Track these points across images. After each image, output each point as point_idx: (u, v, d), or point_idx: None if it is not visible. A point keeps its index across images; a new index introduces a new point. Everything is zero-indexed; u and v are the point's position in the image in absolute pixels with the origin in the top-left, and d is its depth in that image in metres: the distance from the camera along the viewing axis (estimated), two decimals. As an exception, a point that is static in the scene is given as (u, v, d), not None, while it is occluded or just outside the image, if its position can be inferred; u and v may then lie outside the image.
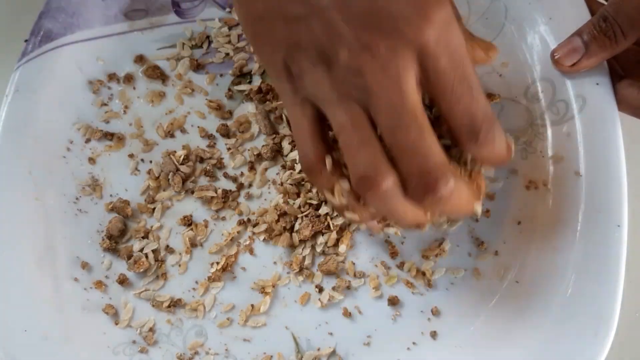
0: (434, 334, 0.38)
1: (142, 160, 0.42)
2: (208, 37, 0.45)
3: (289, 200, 0.40)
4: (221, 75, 0.44)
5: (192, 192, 0.41)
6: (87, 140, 0.42)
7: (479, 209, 0.32)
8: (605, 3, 0.40)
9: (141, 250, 0.40)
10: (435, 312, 0.38)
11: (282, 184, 0.41)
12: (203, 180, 0.42)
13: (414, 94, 0.29)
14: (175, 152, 0.42)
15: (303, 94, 0.31)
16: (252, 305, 0.39)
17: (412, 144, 0.29)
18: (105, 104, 0.43)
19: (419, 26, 0.28)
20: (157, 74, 0.44)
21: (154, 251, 0.40)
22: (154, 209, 0.41)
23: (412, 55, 0.28)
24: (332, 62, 0.29)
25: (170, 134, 0.43)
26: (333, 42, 0.29)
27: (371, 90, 0.29)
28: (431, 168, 0.29)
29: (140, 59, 0.44)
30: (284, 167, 0.41)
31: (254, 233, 0.40)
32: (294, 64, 0.31)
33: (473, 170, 0.32)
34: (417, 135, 0.29)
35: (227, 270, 0.39)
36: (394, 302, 0.38)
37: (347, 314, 0.38)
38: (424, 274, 0.39)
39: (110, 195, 0.41)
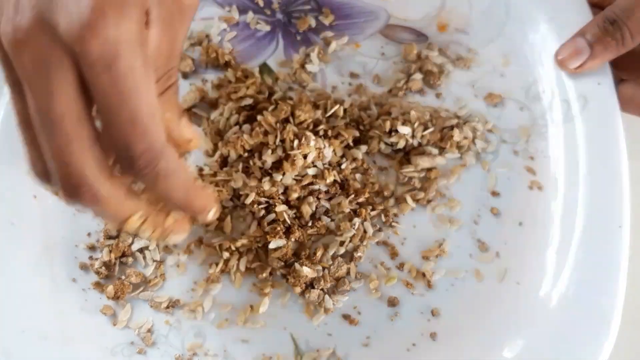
0: (433, 335, 0.37)
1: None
2: (207, 35, 0.45)
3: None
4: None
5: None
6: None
7: (142, 233, 0.31)
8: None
9: (140, 250, 0.40)
10: (435, 313, 0.38)
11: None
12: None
13: (65, 100, 0.26)
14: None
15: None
16: (251, 306, 0.38)
17: (55, 149, 0.27)
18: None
19: (80, 34, 0.24)
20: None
21: (145, 250, 0.40)
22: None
23: (70, 60, 0.25)
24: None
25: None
26: (9, 16, 0.26)
27: (23, 82, 0.26)
28: (74, 180, 0.27)
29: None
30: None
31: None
32: None
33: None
34: (61, 142, 0.26)
35: (225, 271, 0.39)
36: (393, 302, 0.38)
37: (346, 314, 0.38)
38: (423, 275, 0.39)
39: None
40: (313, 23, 0.45)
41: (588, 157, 0.38)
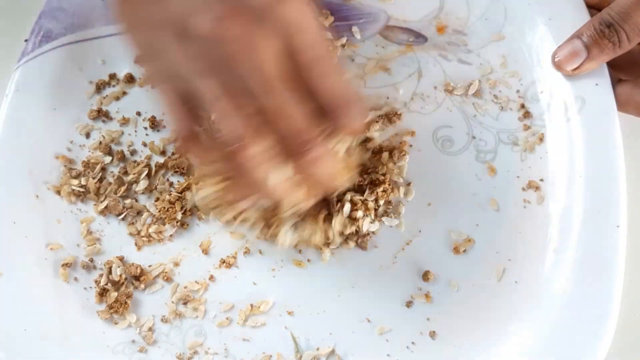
0: (432, 334, 0.38)
1: (142, 160, 0.42)
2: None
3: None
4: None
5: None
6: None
7: (343, 181, 0.35)
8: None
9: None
10: (434, 313, 0.38)
11: None
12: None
13: (273, 63, 0.29)
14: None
15: (169, 72, 0.32)
16: (252, 305, 0.39)
17: (276, 110, 0.30)
18: (106, 105, 0.43)
19: (271, 6, 0.29)
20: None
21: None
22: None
23: (274, 28, 0.29)
24: (191, 35, 0.29)
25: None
26: (190, 13, 0.29)
27: (232, 59, 0.29)
28: (298, 131, 0.30)
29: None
30: None
31: None
32: (156, 43, 0.31)
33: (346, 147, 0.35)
34: (278, 102, 0.30)
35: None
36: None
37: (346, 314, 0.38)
38: (424, 274, 0.39)
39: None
40: (313, 24, 0.45)
41: (586, 157, 0.38)
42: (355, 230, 0.39)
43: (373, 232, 0.40)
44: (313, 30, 0.31)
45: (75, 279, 0.39)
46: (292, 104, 0.30)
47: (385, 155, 0.41)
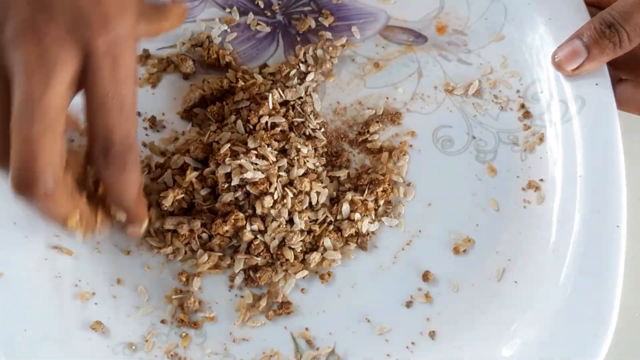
0: (432, 334, 0.38)
1: (142, 160, 0.42)
2: (208, 37, 0.45)
3: None
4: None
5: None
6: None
7: (76, 230, 0.33)
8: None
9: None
10: (434, 312, 0.38)
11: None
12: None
13: (59, 92, 0.28)
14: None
15: None
16: (252, 305, 0.39)
17: (24, 139, 0.28)
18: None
19: (94, 30, 0.28)
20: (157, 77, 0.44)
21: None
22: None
23: (76, 54, 0.28)
24: (2, 30, 0.29)
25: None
26: (6, 12, 0.28)
27: (20, 70, 0.28)
28: (35, 166, 0.28)
29: (141, 60, 0.44)
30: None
31: None
32: None
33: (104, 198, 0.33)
34: (37, 130, 0.28)
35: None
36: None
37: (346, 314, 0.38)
38: (424, 274, 0.39)
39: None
40: (313, 24, 0.45)
41: (586, 157, 0.38)
42: (355, 231, 0.39)
43: (373, 233, 0.40)
44: (123, 67, 0.30)
45: (78, 281, 0.39)
46: (48, 140, 0.28)
47: (385, 155, 0.41)
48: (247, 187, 0.38)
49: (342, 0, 0.45)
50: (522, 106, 0.42)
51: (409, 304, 0.38)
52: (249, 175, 0.37)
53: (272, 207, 0.38)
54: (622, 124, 0.38)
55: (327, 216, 0.39)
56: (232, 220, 0.38)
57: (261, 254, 0.38)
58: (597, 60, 0.38)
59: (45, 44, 0.28)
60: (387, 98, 0.43)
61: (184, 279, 0.39)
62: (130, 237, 0.37)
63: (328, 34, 0.44)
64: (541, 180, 0.40)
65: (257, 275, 0.38)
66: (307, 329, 0.38)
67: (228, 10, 0.45)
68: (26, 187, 0.29)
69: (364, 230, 0.39)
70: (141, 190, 0.34)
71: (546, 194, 0.39)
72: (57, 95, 0.28)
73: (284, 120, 0.40)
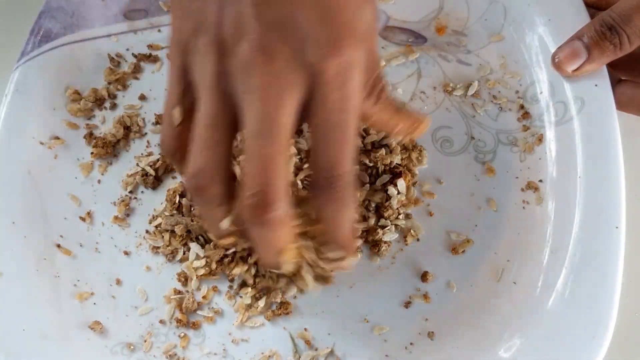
0: (431, 335, 0.38)
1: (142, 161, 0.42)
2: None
3: None
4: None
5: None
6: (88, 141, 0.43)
7: (286, 265, 0.31)
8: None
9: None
10: (433, 313, 0.38)
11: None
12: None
13: (289, 112, 0.28)
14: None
15: (188, 72, 0.30)
16: (250, 305, 0.39)
17: (263, 158, 0.27)
18: (105, 105, 0.43)
19: (325, 53, 0.27)
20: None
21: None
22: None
23: (305, 77, 0.28)
24: (228, 52, 0.28)
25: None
26: (237, 32, 0.28)
27: (253, 91, 0.27)
28: (269, 189, 0.27)
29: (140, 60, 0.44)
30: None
31: None
32: (192, 41, 0.29)
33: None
34: (270, 152, 0.27)
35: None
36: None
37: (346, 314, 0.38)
38: (423, 274, 0.39)
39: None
40: (312, 25, 0.45)
41: (585, 158, 0.38)
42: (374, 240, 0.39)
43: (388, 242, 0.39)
44: (349, 95, 0.28)
45: (77, 281, 0.39)
46: (280, 162, 0.27)
47: (413, 154, 0.41)
48: None
49: (342, 1, 0.45)
50: (522, 107, 0.42)
51: (407, 305, 0.38)
52: None
53: None
54: (621, 124, 0.38)
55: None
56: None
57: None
58: (597, 61, 0.38)
59: (277, 66, 0.27)
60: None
61: (182, 280, 0.39)
62: (337, 270, 0.33)
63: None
64: (540, 181, 0.40)
65: (257, 280, 0.38)
66: (306, 329, 0.38)
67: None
68: (262, 210, 0.27)
69: (387, 240, 0.39)
70: (355, 230, 0.31)
71: (545, 194, 0.39)
72: (288, 116, 0.27)
73: None
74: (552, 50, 0.40)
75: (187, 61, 0.30)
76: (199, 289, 0.39)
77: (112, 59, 0.44)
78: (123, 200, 0.41)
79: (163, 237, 0.39)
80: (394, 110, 0.33)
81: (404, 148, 0.41)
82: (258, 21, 0.27)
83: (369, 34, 0.29)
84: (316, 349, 0.38)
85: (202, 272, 0.39)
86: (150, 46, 0.45)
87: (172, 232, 0.39)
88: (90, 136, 0.42)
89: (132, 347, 0.38)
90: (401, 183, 0.39)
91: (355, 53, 0.28)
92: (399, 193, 0.39)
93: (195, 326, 0.38)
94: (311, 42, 0.27)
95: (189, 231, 0.39)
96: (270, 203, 0.27)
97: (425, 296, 0.38)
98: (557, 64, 0.40)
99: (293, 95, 0.28)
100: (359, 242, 0.31)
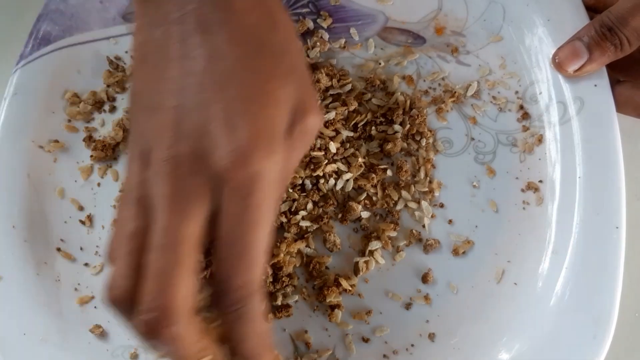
0: (431, 336, 0.38)
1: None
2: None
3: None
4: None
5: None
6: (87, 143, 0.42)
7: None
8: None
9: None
10: (433, 315, 0.38)
11: None
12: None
13: (194, 224, 0.26)
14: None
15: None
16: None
17: (159, 272, 0.26)
18: (104, 108, 0.43)
19: (230, 163, 0.26)
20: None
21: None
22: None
23: (211, 187, 0.26)
24: (148, 162, 0.27)
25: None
26: (156, 140, 0.27)
27: (159, 201, 0.27)
28: (164, 302, 0.26)
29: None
30: None
31: None
32: (128, 153, 0.29)
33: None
34: (168, 265, 0.26)
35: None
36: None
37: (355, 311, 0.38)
38: (423, 275, 0.39)
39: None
40: (311, 26, 0.45)
41: (585, 158, 0.38)
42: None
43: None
44: (253, 209, 0.27)
45: (77, 283, 0.39)
46: (181, 276, 0.26)
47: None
48: None
49: (341, 2, 0.45)
50: (521, 107, 0.42)
51: (408, 306, 0.38)
52: None
53: None
54: (621, 125, 0.38)
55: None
56: None
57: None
58: (598, 61, 0.38)
59: (183, 174, 0.26)
60: (386, 99, 0.43)
61: None
62: None
63: (326, 35, 0.44)
64: (540, 181, 0.40)
65: None
66: (306, 331, 0.38)
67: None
68: (154, 327, 0.26)
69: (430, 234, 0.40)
70: (267, 336, 0.29)
71: (545, 195, 0.39)
72: (193, 227, 0.26)
73: None
74: (552, 50, 0.40)
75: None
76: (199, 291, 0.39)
77: (111, 62, 0.44)
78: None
79: None
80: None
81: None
82: (172, 130, 0.27)
83: (294, 142, 0.28)
84: (317, 351, 0.38)
85: (202, 274, 0.39)
86: (149, 48, 0.44)
87: None
88: (89, 139, 0.42)
89: (132, 350, 0.38)
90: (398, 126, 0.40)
91: (266, 164, 0.26)
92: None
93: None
94: (218, 151, 0.26)
95: None
96: (166, 318, 0.26)
97: (426, 297, 0.38)
98: (557, 64, 0.40)
99: (197, 207, 0.26)
100: (273, 352, 0.30)
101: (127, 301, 0.27)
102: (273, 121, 0.27)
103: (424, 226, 0.40)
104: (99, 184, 0.42)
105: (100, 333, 0.38)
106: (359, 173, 0.40)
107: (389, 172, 0.40)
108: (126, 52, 0.44)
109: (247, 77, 0.27)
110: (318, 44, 0.43)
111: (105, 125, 0.43)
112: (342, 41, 0.44)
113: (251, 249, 0.27)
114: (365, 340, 0.38)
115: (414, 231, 0.39)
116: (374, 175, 0.40)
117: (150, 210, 0.27)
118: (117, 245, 0.28)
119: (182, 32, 0.27)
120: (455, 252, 0.39)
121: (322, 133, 0.40)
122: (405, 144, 0.41)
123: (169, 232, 0.26)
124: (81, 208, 0.41)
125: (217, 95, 0.27)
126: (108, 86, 0.44)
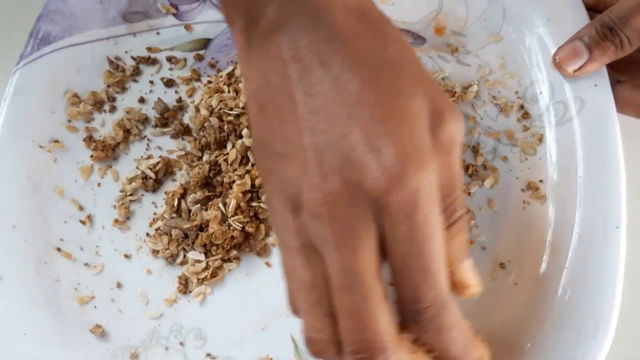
0: (432, 336, 0.38)
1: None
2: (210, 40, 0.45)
3: None
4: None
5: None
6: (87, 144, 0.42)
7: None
8: None
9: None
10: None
11: None
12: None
13: (368, 256, 0.26)
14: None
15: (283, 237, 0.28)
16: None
17: (354, 312, 0.26)
18: (104, 108, 0.43)
19: (383, 188, 0.25)
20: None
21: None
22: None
23: (372, 215, 0.26)
24: (298, 207, 0.27)
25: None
26: (301, 184, 0.26)
27: (325, 244, 0.26)
28: (369, 337, 0.26)
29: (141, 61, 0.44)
30: None
31: None
32: (270, 204, 0.29)
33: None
34: (360, 303, 0.26)
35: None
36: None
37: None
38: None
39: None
40: (311, 26, 0.45)
41: (585, 158, 0.38)
42: None
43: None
44: (420, 225, 0.26)
45: (77, 283, 0.39)
46: (376, 307, 0.26)
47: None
48: None
49: (341, 2, 0.45)
50: (521, 107, 0.42)
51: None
52: None
53: None
54: (621, 124, 0.38)
55: None
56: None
57: None
58: (598, 61, 0.38)
59: (342, 211, 0.26)
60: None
61: (183, 282, 0.39)
62: None
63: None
64: (540, 181, 0.40)
65: None
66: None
67: (226, 12, 0.45)
68: (366, 357, 0.26)
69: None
70: (470, 332, 0.30)
71: (545, 195, 0.39)
72: (368, 257, 0.26)
73: None
74: (552, 50, 0.40)
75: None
76: (199, 292, 0.39)
77: (111, 62, 0.44)
78: (123, 204, 0.41)
79: (162, 240, 0.39)
80: (463, 254, 0.30)
81: None
82: (316, 169, 0.26)
83: (443, 147, 0.27)
84: (317, 351, 0.38)
85: (202, 275, 0.39)
86: (149, 49, 0.45)
87: (170, 235, 0.39)
88: (89, 139, 0.42)
89: (132, 350, 0.38)
90: None
91: (421, 177, 0.26)
92: None
93: (196, 329, 0.38)
94: (370, 176, 0.25)
95: (186, 235, 0.39)
96: (377, 353, 0.26)
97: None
98: (557, 63, 0.40)
99: (366, 238, 0.26)
100: (479, 345, 0.30)
101: (331, 350, 0.27)
102: (414, 133, 0.26)
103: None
104: (99, 184, 0.42)
105: (100, 333, 0.38)
106: None
107: None
108: (126, 52, 0.44)
109: (376, 98, 0.26)
110: None
111: (106, 126, 0.43)
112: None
113: (431, 264, 0.26)
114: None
115: None
116: None
117: (317, 253, 0.27)
118: (297, 297, 0.28)
119: (300, 70, 0.27)
120: (456, 252, 0.39)
121: None
122: None
123: (348, 270, 0.26)
124: (81, 208, 0.41)
125: (351, 124, 0.26)
126: (108, 86, 0.44)
